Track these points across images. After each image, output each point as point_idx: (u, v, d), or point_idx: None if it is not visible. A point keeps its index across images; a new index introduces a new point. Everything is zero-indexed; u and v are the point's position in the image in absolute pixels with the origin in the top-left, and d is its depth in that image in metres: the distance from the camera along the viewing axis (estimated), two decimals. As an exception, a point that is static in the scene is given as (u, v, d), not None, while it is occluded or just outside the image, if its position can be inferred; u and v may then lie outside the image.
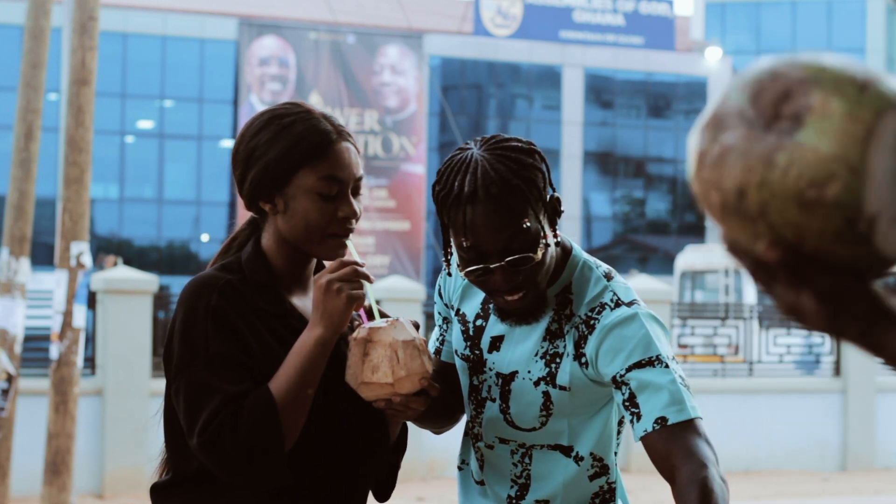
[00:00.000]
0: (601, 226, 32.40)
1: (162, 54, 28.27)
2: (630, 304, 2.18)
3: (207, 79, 28.39)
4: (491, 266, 2.12)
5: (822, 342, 12.63)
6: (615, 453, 2.28)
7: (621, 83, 32.10)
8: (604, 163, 32.51)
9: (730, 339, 12.36)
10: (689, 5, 33.66)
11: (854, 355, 12.22)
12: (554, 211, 2.17)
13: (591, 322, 2.18)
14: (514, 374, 2.24)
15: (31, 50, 8.50)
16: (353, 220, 2.11)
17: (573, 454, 2.24)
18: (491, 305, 2.28)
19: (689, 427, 2.08)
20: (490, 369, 2.27)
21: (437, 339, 2.41)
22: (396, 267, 26.13)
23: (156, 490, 2.16)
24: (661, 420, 2.08)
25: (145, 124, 29.21)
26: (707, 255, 20.75)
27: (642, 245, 33.17)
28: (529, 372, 2.22)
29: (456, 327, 2.34)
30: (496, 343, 2.27)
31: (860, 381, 12.25)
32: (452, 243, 2.18)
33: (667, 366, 2.11)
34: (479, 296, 2.31)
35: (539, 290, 2.17)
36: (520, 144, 2.15)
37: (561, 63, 30.90)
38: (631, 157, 32.87)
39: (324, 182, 2.08)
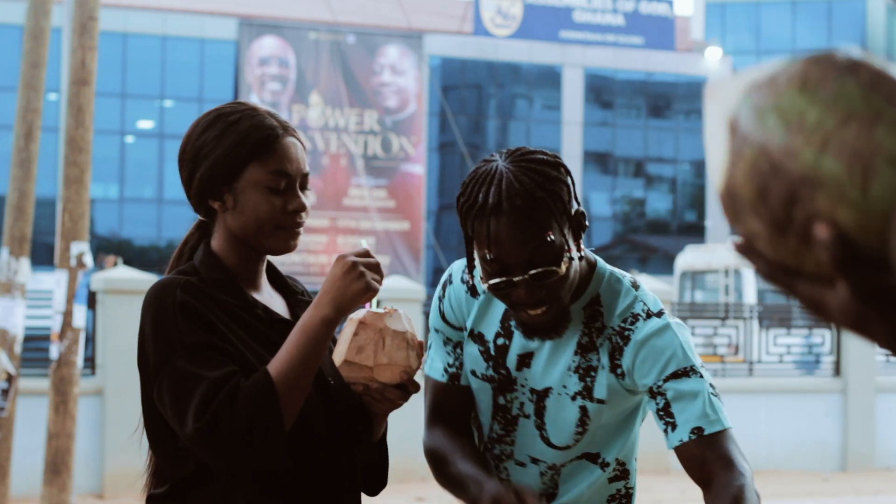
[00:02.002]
0: (601, 226, 32.39)
1: (162, 54, 28.27)
2: (660, 314, 2.20)
3: (207, 79, 28.38)
4: (514, 279, 2.09)
5: (822, 342, 12.63)
6: (635, 458, 2.32)
7: (621, 83, 32.09)
8: (604, 163, 32.50)
9: (730, 339, 12.36)
10: (689, 5, 33.65)
11: (854, 355, 12.22)
12: (579, 225, 2.15)
13: (626, 333, 2.19)
14: (547, 390, 2.23)
15: (31, 50, 8.51)
16: (303, 214, 2.12)
17: (600, 460, 2.27)
18: (512, 322, 2.25)
19: (723, 437, 2.14)
20: (522, 386, 2.24)
21: (452, 365, 2.32)
22: (396, 267, 26.12)
23: (153, 501, 2.14)
24: (697, 430, 2.13)
25: (145, 124, 29.20)
26: (707, 255, 20.74)
27: (642, 245, 33.16)
28: (565, 387, 2.21)
29: (472, 348, 2.29)
30: (525, 360, 2.24)
31: (860, 381, 12.25)
32: (476, 257, 2.15)
33: (701, 375, 2.16)
34: (497, 314, 2.27)
35: (562, 305, 2.15)
36: (545, 157, 2.13)
37: (561, 63, 30.90)
38: (631, 157, 32.87)
39: (272, 176, 2.09)
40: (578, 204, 2.16)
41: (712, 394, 2.16)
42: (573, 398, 2.21)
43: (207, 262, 2.13)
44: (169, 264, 2.21)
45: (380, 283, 2.04)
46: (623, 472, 2.29)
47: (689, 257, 20.84)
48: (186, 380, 1.98)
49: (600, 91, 31.98)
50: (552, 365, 2.22)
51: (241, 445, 1.94)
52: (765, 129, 1.00)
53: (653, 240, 33.14)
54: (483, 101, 31.31)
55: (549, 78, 31.18)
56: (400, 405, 2.13)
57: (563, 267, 2.10)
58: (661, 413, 2.15)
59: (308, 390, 2.02)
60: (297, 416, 2.02)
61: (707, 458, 2.12)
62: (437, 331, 2.35)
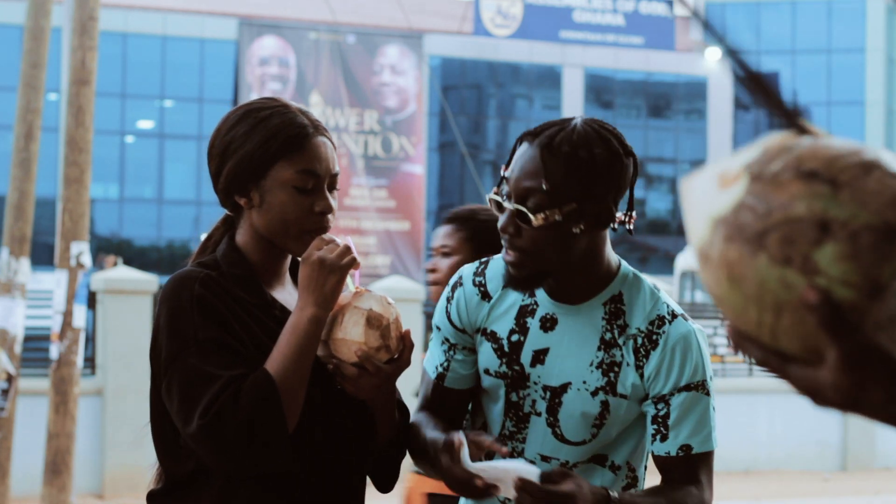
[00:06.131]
0: (601, 226, 32.36)
1: (162, 54, 28.27)
2: (683, 316, 2.19)
3: (207, 79, 28.38)
4: (503, 203, 2.09)
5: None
6: (645, 466, 2.32)
7: (621, 83, 32.10)
8: (604, 163, 32.50)
9: (730, 338, 12.35)
10: (689, 5, 33.62)
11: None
12: (599, 216, 2.09)
13: (654, 336, 2.16)
14: (566, 385, 2.20)
15: (31, 50, 8.50)
16: (329, 217, 2.10)
17: (608, 463, 2.25)
18: (528, 319, 2.21)
19: (706, 458, 2.16)
20: (535, 383, 2.21)
21: (442, 364, 2.30)
22: (397, 267, 26.11)
23: (152, 498, 2.13)
24: (686, 448, 2.15)
25: (145, 124, 29.20)
26: (707, 255, 20.72)
27: (642, 245, 33.16)
28: (585, 382, 2.19)
29: (485, 346, 2.26)
30: (540, 356, 2.21)
31: (860, 381, 12.25)
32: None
33: (708, 392, 2.16)
34: (512, 311, 2.24)
35: (536, 265, 2.10)
36: (627, 146, 2.10)
37: (561, 63, 30.90)
38: (631, 157, 32.88)
39: (300, 176, 2.06)
40: (626, 210, 2.14)
41: (711, 412, 2.16)
42: (594, 393, 2.18)
43: (230, 256, 2.09)
44: (192, 258, 2.17)
45: (352, 253, 2.02)
46: (634, 479, 2.30)
47: (689, 257, 20.83)
48: (197, 377, 1.95)
49: (600, 91, 31.99)
50: (571, 360, 2.19)
51: (242, 446, 1.91)
52: (724, 309, 1.07)
53: (653, 240, 33.14)
54: (483, 101, 31.31)
55: (549, 78, 31.18)
56: (365, 388, 2.05)
57: (538, 219, 2.05)
58: (658, 420, 2.16)
59: (305, 387, 1.99)
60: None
61: (685, 479, 2.15)
62: (438, 328, 2.32)
